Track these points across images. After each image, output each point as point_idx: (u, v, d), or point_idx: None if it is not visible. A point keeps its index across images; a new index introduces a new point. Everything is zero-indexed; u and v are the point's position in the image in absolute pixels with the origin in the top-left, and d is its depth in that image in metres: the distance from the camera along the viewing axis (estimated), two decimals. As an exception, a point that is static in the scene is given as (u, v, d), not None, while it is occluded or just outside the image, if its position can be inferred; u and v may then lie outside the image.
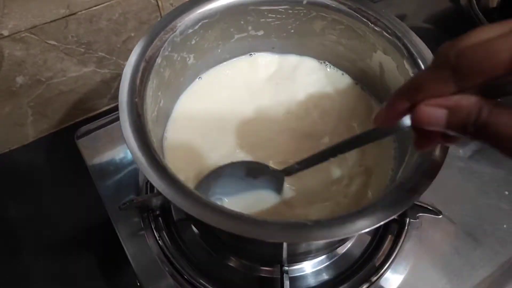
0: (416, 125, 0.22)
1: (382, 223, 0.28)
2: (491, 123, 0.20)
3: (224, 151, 0.40)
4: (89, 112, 0.65)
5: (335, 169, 0.39)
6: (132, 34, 0.58)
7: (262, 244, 0.36)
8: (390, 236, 0.47)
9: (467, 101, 0.20)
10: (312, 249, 0.37)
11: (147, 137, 0.30)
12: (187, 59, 0.40)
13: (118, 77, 0.62)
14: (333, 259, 0.46)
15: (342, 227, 0.28)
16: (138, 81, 0.33)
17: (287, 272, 0.40)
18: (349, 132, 0.41)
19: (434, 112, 0.21)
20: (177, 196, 0.28)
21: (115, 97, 0.65)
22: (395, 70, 0.37)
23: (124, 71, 0.33)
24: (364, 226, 0.28)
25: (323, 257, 0.46)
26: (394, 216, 0.28)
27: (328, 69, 0.45)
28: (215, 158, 0.39)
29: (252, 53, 0.45)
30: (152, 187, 0.47)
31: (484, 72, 0.19)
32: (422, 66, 0.35)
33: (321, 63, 0.46)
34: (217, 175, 0.36)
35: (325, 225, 0.28)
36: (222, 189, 0.37)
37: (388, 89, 0.40)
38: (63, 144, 0.63)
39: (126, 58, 0.60)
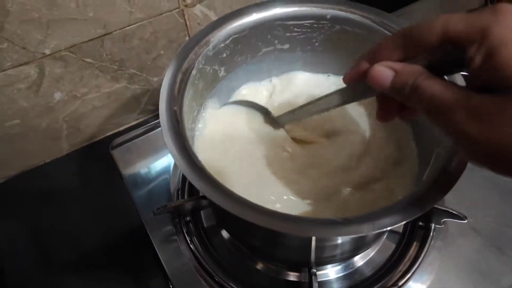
0: (370, 83, 0.27)
1: (411, 219, 0.29)
2: (421, 85, 0.24)
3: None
4: (120, 126, 0.68)
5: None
6: (162, 52, 0.61)
7: (292, 245, 0.37)
8: (415, 243, 0.48)
9: (411, 67, 0.25)
10: (339, 250, 0.38)
11: (186, 141, 0.33)
12: (218, 71, 0.43)
13: (147, 92, 0.66)
14: (358, 266, 0.47)
15: (372, 223, 0.29)
16: (176, 91, 0.35)
17: (315, 274, 0.41)
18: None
19: (384, 71, 0.26)
20: (217, 195, 0.30)
21: (144, 111, 0.69)
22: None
23: (163, 81, 0.35)
24: (394, 222, 0.29)
25: (348, 263, 0.47)
26: (423, 212, 0.29)
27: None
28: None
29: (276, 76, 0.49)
30: (183, 194, 0.49)
31: (424, 40, 0.24)
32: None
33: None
34: None
35: (354, 222, 0.29)
36: None
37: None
38: (94, 157, 0.66)
39: (156, 75, 0.64)
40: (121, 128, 0.69)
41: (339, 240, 0.36)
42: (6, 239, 0.58)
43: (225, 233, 0.49)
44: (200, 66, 0.39)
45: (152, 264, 0.52)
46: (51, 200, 0.62)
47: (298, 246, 0.37)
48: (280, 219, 0.29)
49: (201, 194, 0.49)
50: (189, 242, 0.45)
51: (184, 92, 0.36)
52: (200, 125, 0.43)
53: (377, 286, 0.45)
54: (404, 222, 0.29)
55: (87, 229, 0.59)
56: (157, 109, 0.68)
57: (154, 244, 0.45)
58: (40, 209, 0.61)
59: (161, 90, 0.35)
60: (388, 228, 0.29)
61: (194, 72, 0.38)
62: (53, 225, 0.60)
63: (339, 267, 0.47)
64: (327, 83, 0.48)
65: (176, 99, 0.35)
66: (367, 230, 0.28)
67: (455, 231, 0.47)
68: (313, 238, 0.34)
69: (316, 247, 0.36)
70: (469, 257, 0.46)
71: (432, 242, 0.47)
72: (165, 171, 0.51)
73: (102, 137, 0.68)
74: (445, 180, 0.32)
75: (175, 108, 0.34)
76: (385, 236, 0.49)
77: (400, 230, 0.50)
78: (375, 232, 0.29)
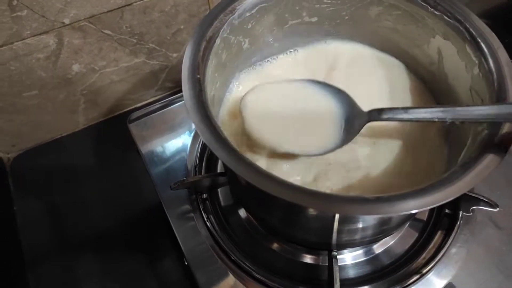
0: None
1: (444, 201, 0.27)
2: None
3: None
4: (137, 103, 0.67)
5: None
6: (182, 27, 0.60)
7: (314, 225, 0.36)
8: (440, 232, 0.46)
9: None
10: (362, 233, 0.36)
11: (208, 111, 0.31)
12: (243, 43, 0.41)
13: (166, 69, 0.64)
14: (378, 252, 0.46)
15: (402, 202, 0.27)
16: (199, 59, 0.34)
17: (336, 257, 0.40)
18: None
19: None
20: (239, 165, 0.28)
21: (162, 88, 0.67)
22: (455, 55, 0.36)
23: (186, 48, 0.34)
24: (426, 203, 0.27)
25: (368, 248, 0.45)
26: (456, 196, 0.27)
27: (381, 57, 0.45)
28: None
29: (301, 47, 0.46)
30: (200, 171, 0.47)
31: None
32: (486, 50, 0.34)
33: (373, 50, 0.45)
34: None
35: (386, 200, 0.28)
36: None
37: (446, 76, 0.39)
38: (111, 133, 0.65)
39: (175, 51, 0.63)
40: (138, 105, 0.68)
41: (364, 222, 0.34)
42: (23, 211, 0.58)
43: (242, 213, 0.47)
44: (225, 35, 0.37)
45: (167, 241, 0.52)
46: (67, 173, 0.61)
47: (320, 227, 0.35)
48: (306, 194, 0.28)
49: (219, 171, 0.48)
50: (205, 219, 0.44)
51: (208, 62, 0.35)
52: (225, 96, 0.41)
53: (398, 273, 0.43)
54: (438, 204, 0.27)
55: (102, 204, 0.58)
56: (176, 87, 0.67)
57: (170, 220, 0.44)
58: (56, 182, 0.61)
59: (184, 57, 0.33)
60: (420, 210, 0.27)
61: (218, 41, 0.36)
62: (69, 199, 0.59)
63: (358, 252, 0.45)
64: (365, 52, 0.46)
65: (199, 68, 0.33)
66: (398, 209, 0.27)
67: (484, 220, 0.45)
68: (336, 217, 0.32)
69: (339, 228, 0.34)
70: (498, 249, 0.44)
71: (458, 231, 0.45)
72: (183, 147, 0.50)
73: (119, 112, 0.67)
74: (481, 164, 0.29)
75: (199, 76, 0.33)
76: (407, 225, 0.47)
77: (425, 217, 0.48)
78: (408, 212, 0.27)
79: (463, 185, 0.28)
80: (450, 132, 0.39)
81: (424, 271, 0.41)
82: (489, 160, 0.29)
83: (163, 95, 0.68)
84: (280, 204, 0.34)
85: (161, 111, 0.53)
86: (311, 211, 0.32)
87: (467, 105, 0.32)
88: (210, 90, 0.35)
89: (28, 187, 0.61)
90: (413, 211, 0.27)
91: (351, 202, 0.27)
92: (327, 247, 0.41)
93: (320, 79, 0.40)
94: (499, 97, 0.32)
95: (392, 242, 0.46)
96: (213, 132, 0.30)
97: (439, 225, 0.46)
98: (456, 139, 0.37)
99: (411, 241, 0.46)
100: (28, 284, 0.53)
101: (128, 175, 0.60)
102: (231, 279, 0.41)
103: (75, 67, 0.56)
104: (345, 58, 0.45)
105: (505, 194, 0.46)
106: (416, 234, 0.47)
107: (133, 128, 0.51)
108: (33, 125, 0.61)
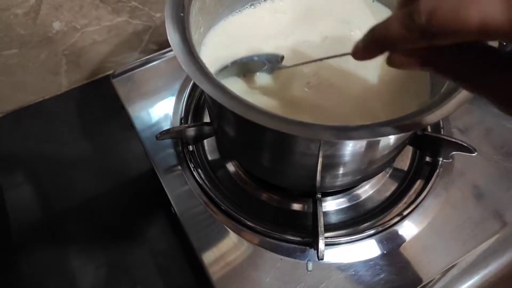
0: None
1: (426, 126, 0.28)
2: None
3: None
4: (120, 66, 0.66)
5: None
6: (165, -15, 0.59)
7: (298, 164, 0.37)
8: (420, 180, 0.47)
9: None
10: (345, 170, 0.37)
11: (194, 49, 0.31)
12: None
13: (149, 29, 0.63)
14: (360, 199, 0.47)
15: (385, 127, 0.28)
16: (183, -1, 0.33)
17: (320, 200, 0.41)
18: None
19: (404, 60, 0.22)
20: (226, 98, 0.29)
21: (145, 51, 0.67)
22: None
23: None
24: (413, 125, 0.28)
25: (350, 195, 0.47)
26: (439, 119, 0.28)
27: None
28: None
29: None
30: (187, 122, 0.48)
31: (451, 37, 0.18)
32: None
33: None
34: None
35: (368, 127, 0.28)
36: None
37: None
38: (94, 95, 0.64)
39: (158, 10, 0.62)
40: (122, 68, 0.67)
41: (346, 158, 0.35)
42: (5, 176, 0.57)
43: (229, 166, 0.48)
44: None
45: (157, 203, 0.52)
46: (51, 137, 0.61)
47: (305, 165, 0.36)
48: (289, 122, 0.28)
49: (204, 121, 0.48)
50: (192, 169, 0.44)
51: (191, 1, 0.35)
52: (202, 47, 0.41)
53: (380, 217, 0.44)
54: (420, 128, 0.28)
55: (89, 169, 0.58)
56: (160, 49, 0.66)
57: (156, 171, 0.44)
58: (39, 146, 0.60)
59: (168, -6, 0.33)
60: (406, 132, 0.28)
61: (201, -18, 0.36)
62: (53, 163, 0.59)
63: (341, 200, 0.47)
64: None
65: (183, 6, 0.33)
66: (381, 133, 0.27)
67: (462, 166, 0.47)
68: (320, 154, 0.33)
69: (323, 165, 0.35)
70: (474, 193, 0.46)
71: (438, 178, 0.46)
72: (168, 101, 0.50)
73: (102, 75, 0.66)
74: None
75: (182, 14, 0.33)
76: (388, 174, 0.48)
77: (406, 167, 0.49)
78: (390, 135, 0.28)
79: (444, 111, 0.29)
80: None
81: (405, 213, 0.43)
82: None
83: (147, 57, 0.68)
84: (267, 141, 0.34)
85: (145, 66, 0.52)
86: (297, 147, 0.33)
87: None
88: (194, 33, 0.35)
89: (11, 151, 0.60)
90: (393, 135, 0.28)
91: (335, 129, 0.28)
92: (311, 190, 0.41)
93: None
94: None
95: (372, 191, 0.47)
96: (199, 68, 0.30)
97: (419, 174, 0.47)
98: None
99: (392, 188, 0.48)
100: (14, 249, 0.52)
101: (113, 138, 0.60)
102: (221, 228, 0.42)
103: (56, 25, 0.55)
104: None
105: (483, 142, 0.48)
106: (397, 184, 0.48)
107: (117, 84, 0.50)
108: (14, 87, 0.60)
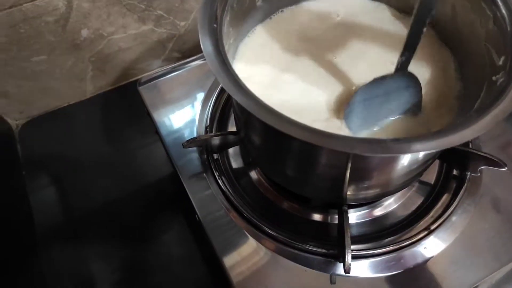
0: None
1: (461, 142, 0.28)
2: None
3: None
4: (144, 73, 0.67)
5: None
6: (191, -7, 0.60)
7: (326, 175, 0.36)
8: (446, 194, 0.46)
9: None
10: (372, 185, 0.36)
11: (226, 59, 0.31)
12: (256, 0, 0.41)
13: (173, 38, 0.64)
14: (385, 212, 0.46)
15: (421, 143, 0.28)
16: (216, 9, 0.34)
17: (346, 212, 0.40)
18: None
19: None
20: (258, 108, 0.29)
21: (169, 58, 0.67)
22: (469, 10, 0.37)
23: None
24: (448, 143, 0.27)
25: (375, 208, 0.46)
26: (476, 136, 0.28)
27: (391, 13, 0.45)
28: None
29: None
30: (211, 131, 0.48)
31: None
32: (500, 3, 0.34)
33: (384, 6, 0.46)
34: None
35: (403, 141, 0.28)
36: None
37: (460, 32, 0.39)
38: (118, 101, 0.65)
39: (183, 19, 0.62)
40: (145, 75, 0.68)
41: (376, 171, 0.34)
42: (32, 178, 0.58)
43: (253, 174, 0.48)
44: (239, -11, 0.37)
45: (180, 209, 0.52)
46: (75, 142, 0.62)
47: (333, 177, 0.36)
48: (322, 135, 0.28)
49: (229, 130, 0.48)
50: (217, 177, 0.44)
51: (223, 13, 0.35)
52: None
53: (405, 230, 0.44)
54: (458, 143, 0.28)
55: (112, 173, 0.59)
56: (183, 57, 0.67)
57: (182, 180, 0.45)
58: (63, 150, 0.61)
59: (201, 4, 0.33)
60: (440, 149, 0.28)
61: (232, -6, 0.36)
62: (77, 168, 0.60)
63: (364, 212, 0.46)
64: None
65: (216, 18, 0.33)
66: (421, 148, 0.27)
67: (491, 181, 0.46)
68: (349, 166, 0.33)
69: (351, 178, 0.35)
70: (506, 207, 0.45)
71: (466, 193, 0.45)
72: (194, 110, 0.50)
73: (126, 82, 0.67)
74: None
75: (215, 25, 0.33)
76: (414, 188, 0.47)
77: (432, 181, 0.48)
78: (430, 151, 0.27)
79: (478, 128, 0.28)
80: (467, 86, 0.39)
81: (432, 227, 0.42)
82: (504, 106, 0.29)
83: (171, 65, 0.68)
84: (297, 152, 0.34)
85: (171, 75, 0.53)
86: (327, 159, 0.33)
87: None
88: (225, 43, 0.36)
89: (36, 154, 0.61)
90: (427, 152, 0.27)
91: (365, 142, 0.28)
92: (337, 201, 0.41)
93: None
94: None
95: (397, 205, 0.47)
96: (232, 79, 0.30)
97: (446, 188, 0.47)
98: (470, 91, 0.37)
99: (417, 202, 0.47)
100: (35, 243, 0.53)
101: (134, 143, 0.61)
102: (242, 234, 0.42)
103: (84, 32, 0.56)
104: (352, 13, 0.45)
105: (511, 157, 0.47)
106: (423, 198, 0.47)
107: (143, 91, 0.51)
108: (41, 92, 0.61)
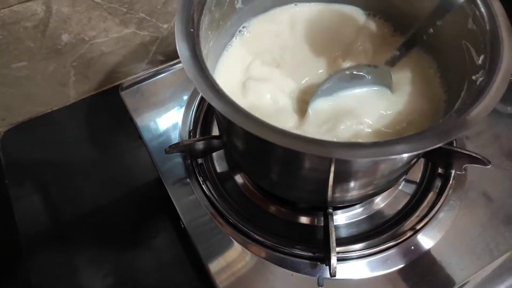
0: None
1: (440, 144, 0.28)
2: None
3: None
4: (127, 76, 0.66)
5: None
6: (172, -4, 0.59)
7: (310, 179, 0.36)
8: (432, 192, 0.46)
9: None
10: (357, 184, 0.36)
11: (204, 64, 0.31)
12: (235, 2, 0.40)
13: (156, 40, 0.63)
14: (370, 213, 0.46)
15: (398, 146, 0.27)
16: (192, 13, 0.33)
17: (331, 214, 0.40)
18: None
19: None
20: (237, 115, 0.28)
21: (153, 61, 0.67)
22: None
23: (179, 1, 0.33)
24: (425, 146, 0.27)
25: (361, 209, 0.46)
26: (453, 138, 0.28)
27: (376, 21, 0.45)
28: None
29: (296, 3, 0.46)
30: (195, 135, 0.47)
31: None
32: (479, 3, 0.34)
33: (367, 14, 0.45)
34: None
35: (382, 145, 0.28)
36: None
37: (441, 32, 0.39)
38: (102, 106, 0.64)
39: (166, 21, 0.62)
40: (129, 78, 0.67)
41: (359, 174, 0.34)
42: (15, 186, 0.57)
43: (238, 178, 0.47)
44: (216, -9, 0.37)
45: (164, 214, 0.52)
46: (59, 148, 0.61)
47: (316, 180, 0.35)
48: (303, 140, 0.28)
49: (213, 134, 0.48)
50: (201, 182, 0.44)
51: (201, 17, 0.34)
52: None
53: (392, 231, 0.44)
54: (434, 147, 0.27)
55: (96, 179, 0.58)
56: (167, 60, 0.66)
57: (166, 186, 0.44)
58: (47, 157, 0.60)
59: (177, 8, 0.33)
60: (419, 152, 0.28)
61: (210, -3, 0.36)
62: (61, 174, 0.59)
63: (352, 213, 0.46)
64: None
65: (193, 22, 0.33)
66: (401, 151, 0.27)
67: (475, 178, 0.46)
68: (332, 169, 0.32)
69: (334, 181, 0.34)
70: (489, 205, 0.45)
71: (451, 190, 0.45)
72: (177, 114, 0.49)
73: (109, 86, 0.66)
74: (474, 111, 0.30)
75: (192, 30, 0.32)
76: (400, 186, 0.47)
77: (417, 179, 0.48)
78: (411, 154, 0.27)
79: (459, 127, 0.28)
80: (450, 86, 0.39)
81: (418, 227, 0.42)
82: (484, 105, 0.29)
83: (154, 68, 0.68)
84: (278, 156, 0.34)
85: (154, 78, 0.52)
86: (309, 163, 0.32)
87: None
88: (204, 48, 0.35)
89: (20, 161, 0.60)
90: (406, 154, 0.27)
91: (345, 146, 0.28)
92: (322, 205, 0.41)
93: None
94: (493, 46, 0.32)
95: (384, 204, 0.47)
96: (209, 84, 0.30)
97: (432, 186, 0.47)
98: (453, 92, 0.37)
99: (403, 201, 0.47)
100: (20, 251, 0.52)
101: (120, 148, 0.60)
102: (228, 240, 0.41)
103: (64, 37, 0.55)
104: (333, 21, 0.45)
105: (495, 153, 0.47)
106: (409, 196, 0.48)
107: (126, 96, 0.50)
108: (23, 98, 0.60)
